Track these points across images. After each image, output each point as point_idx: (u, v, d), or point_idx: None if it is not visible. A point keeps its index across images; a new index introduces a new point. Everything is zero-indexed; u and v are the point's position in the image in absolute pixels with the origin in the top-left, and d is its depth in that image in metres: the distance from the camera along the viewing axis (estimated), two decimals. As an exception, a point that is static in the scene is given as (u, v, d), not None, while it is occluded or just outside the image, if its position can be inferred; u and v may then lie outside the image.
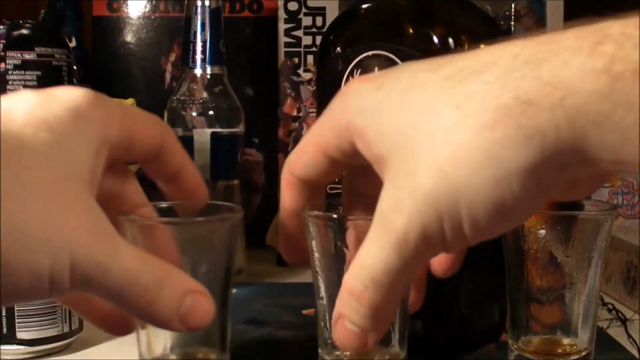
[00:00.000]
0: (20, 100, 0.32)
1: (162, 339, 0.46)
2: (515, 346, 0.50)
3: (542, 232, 0.48)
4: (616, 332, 0.62)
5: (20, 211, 0.29)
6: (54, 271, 0.29)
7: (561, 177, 0.30)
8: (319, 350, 0.47)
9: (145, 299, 0.32)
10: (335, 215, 0.48)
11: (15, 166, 0.29)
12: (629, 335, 0.61)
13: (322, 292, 0.46)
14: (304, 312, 0.66)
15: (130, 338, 0.60)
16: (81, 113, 0.33)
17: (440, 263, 0.41)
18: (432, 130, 0.31)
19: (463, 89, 0.30)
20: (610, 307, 0.66)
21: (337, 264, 0.45)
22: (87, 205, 0.32)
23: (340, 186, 0.57)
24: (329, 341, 0.46)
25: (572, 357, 0.49)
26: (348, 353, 0.46)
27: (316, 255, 0.46)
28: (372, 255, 0.32)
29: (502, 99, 0.29)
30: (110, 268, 0.31)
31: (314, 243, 0.46)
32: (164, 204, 0.51)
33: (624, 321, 0.63)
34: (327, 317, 0.46)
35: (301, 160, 0.38)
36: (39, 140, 0.31)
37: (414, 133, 0.31)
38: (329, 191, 0.58)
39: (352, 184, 0.42)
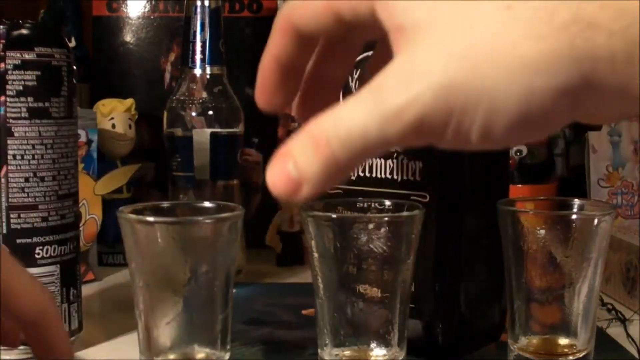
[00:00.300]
0: None
1: (162, 339, 0.47)
2: (515, 346, 0.50)
3: (542, 232, 0.49)
4: (616, 332, 0.62)
5: None
6: None
7: (598, 104, 0.28)
8: (319, 350, 0.47)
9: None
10: (335, 216, 0.48)
11: None
12: (629, 335, 0.61)
13: (322, 292, 0.46)
14: (304, 312, 0.66)
15: (130, 338, 0.60)
16: None
17: None
18: (472, 21, 0.28)
19: None
20: (610, 307, 0.66)
21: (337, 264, 0.45)
22: None
23: (341, 187, 0.57)
24: (328, 341, 0.46)
25: (572, 357, 0.49)
26: (347, 353, 0.46)
27: (315, 255, 0.46)
28: (353, 117, 0.29)
29: (561, 13, 0.27)
30: None
31: (313, 243, 0.46)
32: (164, 204, 0.52)
33: (623, 321, 0.63)
34: (326, 318, 0.46)
35: (305, 10, 0.34)
36: None
37: (452, 16, 0.28)
38: (329, 191, 0.58)
39: (320, 64, 0.38)
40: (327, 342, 0.46)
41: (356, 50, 0.38)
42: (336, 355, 0.46)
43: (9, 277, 0.35)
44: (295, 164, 0.30)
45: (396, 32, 0.30)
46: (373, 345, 0.46)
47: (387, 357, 0.46)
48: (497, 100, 0.27)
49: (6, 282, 0.34)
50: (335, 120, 0.30)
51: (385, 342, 0.46)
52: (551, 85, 0.27)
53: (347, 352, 0.46)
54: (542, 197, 0.69)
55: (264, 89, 0.37)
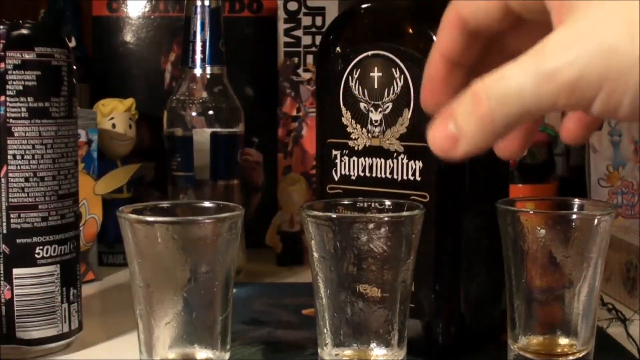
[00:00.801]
0: None
1: (162, 339, 0.47)
2: (515, 346, 0.50)
3: (542, 232, 0.49)
4: (616, 332, 0.62)
5: None
6: None
7: None
8: (319, 350, 0.47)
9: None
10: (335, 215, 0.48)
11: None
12: (629, 335, 0.60)
13: (322, 292, 0.46)
14: (304, 312, 0.66)
15: (130, 338, 0.60)
16: None
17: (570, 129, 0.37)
18: None
19: None
20: (610, 306, 0.66)
21: (337, 264, 0.45)
22: None
23: (341, 187, 0.57)
24: (329, 341, 0.46)
25: (572, 357, 0.49)
26: (347, 353, 0.46)
27: (315, 255, 0.46)
28: (512, 76, 0.30)
29: None
30: None
31: (313, 243, 0.46)
32: (164, 204, 0.52)
33: (623, 321, 0.63)
34: (326, 317, 0.46)
35: (476, 4, 0.35)
36: None
37: None
38: (329, 191, 0.58)
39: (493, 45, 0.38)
40: (327, 341, 0.46)
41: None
42: (336, 355, 0.46)
43: None
44: (455, 121, 0.32)
45: (559, 7, 0.30)
46: (373, 345, 0.46)
47: (387, 357, 0.46)
48: None
49: None
50: (495, 80, 0.30)
51: (385, 342, 0.46)
52: None
53: (347, 352, 0.46)
54: (542, 197, 0.69)
55: (432, 85, 0.38)
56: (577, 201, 0.52)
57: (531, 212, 0.52)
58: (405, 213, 0.47)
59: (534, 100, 0.30)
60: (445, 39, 0.36)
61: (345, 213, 0.50)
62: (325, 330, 0.46)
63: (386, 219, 0.46)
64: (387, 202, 0.50)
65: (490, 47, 0.38)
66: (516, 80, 0.30)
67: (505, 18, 0.34)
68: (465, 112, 0.31)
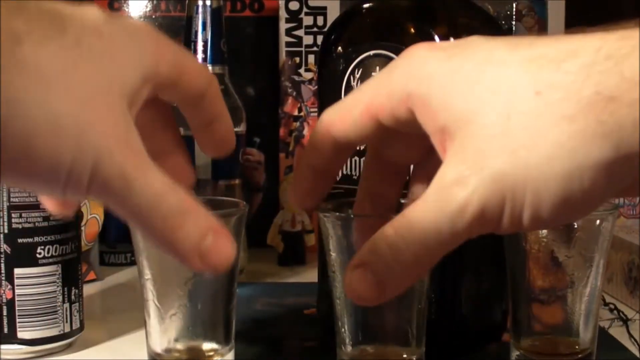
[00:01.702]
0: (88, 10, 0.31)
1: (168, 332, 0.47)
2: (517, 346, 0.50)
3: (544, 232, 0.48)
4: (618, 332, 0.61)
5: (61, 97, 0.28)
6: (74, 166, 0.28)
7: (630, 175, 0.30)
8: (337, 350, 0.47)
9: (168, 225, 0.31)
10: (353, 215, 0.48)
11: (69, 58, 0.28)
12: (631, 335, 0.60)
13: (339, 291, 0.46)
14: (305, 312, 0.66)
15: (132, 337, 0.60)
16: (137, 39, 0.32)
17: None
18: (508, 111, 0.30)
19: (545, 75, 0.30)
20: (612, 307, 0.66)
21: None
22: (124, 119, 0.30)
23: (343, 186, 0.57)
24: (347, 340, 0.46)
25: (574, 357, 0.49)
26: (365, 352, 0.46)
27: (333, 254, 0.46)
28: (424, 220, 0.31)
29: (584, 92, 0.29)
30: (134, 183, 0.29)
31: (330, 242, 0.45)
32: None
33: (625, 321, 0.63)
34: (344, 317, 0.46)
35: (344, 120, 0.36)
36: (93, 46, 0.30)
37: (487, 111, 0.31)
38: (332, 190, 0.58)
39: (379, 153, 0.40)
40: (345, 341, 0.46)
41: (404, 172, 0.41)
42: (354, 354, 0.46)
43: (180, 55, 0.35)
44: (375, 272, 0.33)
45: (439, 135, 0.33)
46: (391, 343, 0.46)
47: (405, 356, 0.46)
48: (541, 185, 0.30)
49: (180, 58, 0.35)
50: (409, 226, 0.32)
51: (403, 342, 0.46)
52: (586, 163, 0.29)
53: (364, 351, 0.46)
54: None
55: (299, 192, 0.40)
56: None
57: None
58: None
59: (450, 238, 0.31)
60: (314, 154, 0.38)
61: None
62: (343, 329, 0.46)
63: None
64: (403, 201, 0.50)
65: (384, 167, 0.40)
66: (431, 225, 0.31)
67: (377, 132, 0.36)
68: (384, 261, 0.33)
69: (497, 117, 0.30)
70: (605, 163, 0.29)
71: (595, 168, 0.29)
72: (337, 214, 0.46)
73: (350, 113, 0.36)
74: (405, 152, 0.39)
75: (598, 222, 0.48)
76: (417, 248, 0.32)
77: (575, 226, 0.48)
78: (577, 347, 0.49)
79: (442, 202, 0.31)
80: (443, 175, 0.32)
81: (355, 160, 0.56)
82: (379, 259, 0.33)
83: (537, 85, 0.30)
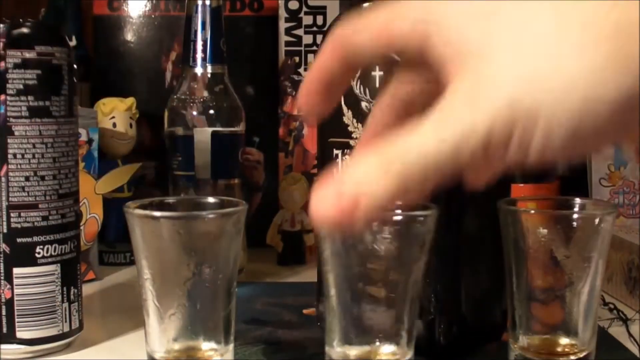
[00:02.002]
0: None
1: (167, 331, 0.47)
2: (516, 346, 0.50)
3: (543, 231, 0.48)
4: (617, 331, 0.61)
5: None
6: None
7: None
8: (326, 348, 0.47)
9: None
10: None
11: None
12: (630, 335, 0.60)
13: (332, 290, 0.46)
14: (305, 311, 0.66)
15: (131, 337, 0.60)
16: None
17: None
18: (525, 41, 0.30)
19: (565, 6, 0.29)
20: (612, 306, 0.66)
21: (348, 262, 0.45)
22: None
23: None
24: (337, 340, 0.46)
25: (573, 357, 0.49)
26: (355, 352, 0.46)
27: (326, 253, 0.46)
28: (423, 140, 0.30)
29: (606, 22, 0.28)
30: None
31: (323, 242, 0.45)
32: (170, 199, 0.53)
33: (625, 321, 0.63)
34: (335, 316, 0.46)
35: (359, 35, 0.35)
36: None
37: (503, 40, 0.30)
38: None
39: (390, 87, 0.39)
40: (335, 340, 0.46)
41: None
42: (344, 354, 0.46)
43: None
44: (355, 184, 0.31)
45: (450, 63, 0.32)
46: (382, 344, 0.46)
47: (395, 356, 0.46)
48: (554, 114, 0.29)
49: None
50: (402, 145, 0.31)
51: (394, 341, 0.46)
52: (605, 94, 0.28)
53: (355, 351, 0.46)
54: (543, 196, 0.69)
55: (307, 97, 0.38)
56: (578, 201, 0.52)
57: (532, 211, 0.52)
58: (419, 212, 0.47)
59: (450, 162, 0.30)
60: (325, 62, 0.37)
61: None
62: (334, 328, 0.46)
63: (399, 218, 0.46)
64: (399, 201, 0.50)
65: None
66: (431, 145, 0.30)
67: (384, 56, 0.35)
68: (369, 176, 0.31)
69: (514, 46, 0.30)
70: (623, 98, 0.28)
71: (612, 103, 0.28)
72: None
73: (367, 30, 0.35)
74: (412, 87, 0.38)
75: (597, 221, 0.48)
76: (406, 170, 0.30)
77: (575, 225, 0.48)
78: (576, 346, 0.49)
79: (448, 123, 0.30)
80: (450, 98, 0.31)
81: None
82: (363, 172, 0.31)
83: (557, 16, 0.29)
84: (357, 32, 0.35)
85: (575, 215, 0.50)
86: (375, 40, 0.35)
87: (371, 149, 0.31)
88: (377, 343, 0.46)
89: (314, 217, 0.31)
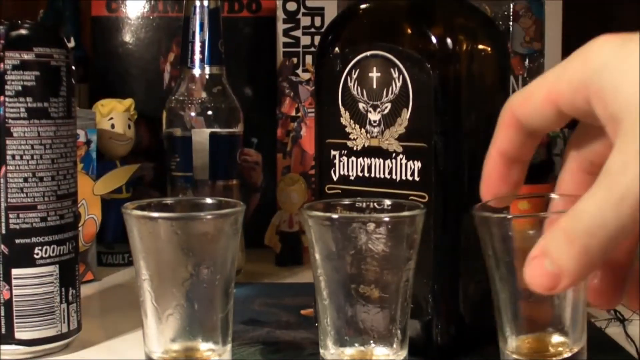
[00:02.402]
0: None
1: (165, 332, 0.47)
2: (506, 349, 0.50)
3: (531, 232, 0.48)
4: (615, 332, 0.62)
5: None
6: None
7: None
8: (321, 350, 0.47)
9: None
10: (337, 215, 0.48)
11: None
12: (628, 335, 0.61)
13: (324, 292, 0.46)
14: (303, 312, 0.66)
15: (130, 338, 0.60)
16: None
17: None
18: None
19: None
20: (609, 307, 0.66)
21: (339, 264, 0.45)
22: None
23: (340, 187, 0.57)
24: (331, 341, 0.46)
25: (566, 355, 0.49)
26: (349, 353, 0.46)
27: (317, 256, 0.46)
28: (590, 210, 0.32)
29: None
30: None
31: (315, 243, 0.46)
32: (168, 200, 0.53)
33: (622, 321, 0.63)
34: (328, 317, 0.46)
35: (528, 105, 0.37)
36: None
37: None
38: (327, 191, 0.58)
39: (580, 155, 0.41)
40: (329, 342, 0.46)
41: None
42: (338, 355, 0.46)
43: None
44: (551, 260, 0.34)
45: (610, 124, 0.33)
46: (375, 345, 0.46)
47: (389, 357, 0.46)
48: None
49: None
50: (577, 218, 0.33)
51: (387, 342, 0.46)
52: None
53: (349, 352, 0.46)
54: (531, 194, 0.69)
55: (490, 181, 0.41)
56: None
57: (510, 217, 0.51)
58: (406, 213, 0.47)
59: (616, 228, 0.32)
60: (502, 137, 0.39)
61: (347, 213, 0.50)
62: (327, 330, 0.46)
63: (387, 218, 0.46)
64: (388, 202, 0.50)
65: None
66: (596, 214, 0.32)
67: (559, 120, 0.36)
68: (561, 251, 0.33)
69: None
70: None
71: None
72: (322, 214, 0.46)
73: (532, 98, 0.36)
74: (594, 144, 0.39)
75: None
76: (586, 239, 0.32)
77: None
78: (567, 345, 0.49)
79: (606, 190, 0.31)
80: (609, 164, 0.32)
81: (352, 161, 0.56)
82: (554, 248, 0.33)
83: None
84: (526, 100, 0.37)
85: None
86: (542, 108, 0.36)
87: (559, 219, 0.34)
88: (371, 344, 0.46)
89: (531, 283, 0.35)
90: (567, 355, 0.48)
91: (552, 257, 0.34)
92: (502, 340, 0.50)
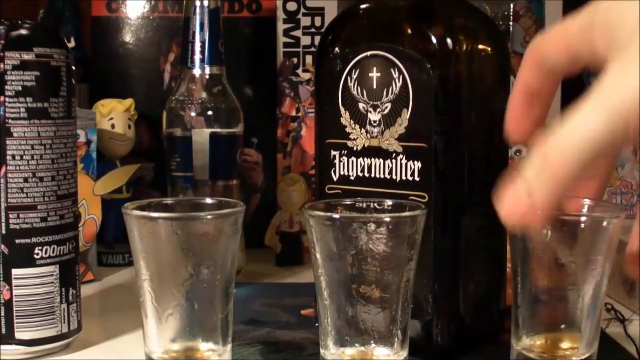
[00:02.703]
0: None
1: (165, 332, 0.48)
2: (518, 346, 0.50)
3: (548, 232, 0.48)
4: (615, 331, 0.62)
5: None
6: None
7: None
8: (321, 350, 0.47)
9: None
10: (338, 216, 0.48)
11: None
12: (628, 335, 0.60)
13: (325, 292, 0.46)
14: (303, 312, 0.66)
15: (130, 338, 0.60)
16: None
17: None
18: None
19: None
20: (609, 306, 0.66)
21: (340, 264, 0.45)
22: None
23: (340, 187, 0.57)
24: (331, 341, 0.46)
25: (575, 359, 0.49)
26: (349, 353, 0.46)
27: (318, 256, 0.46)
28: (577, 119, 0.32)
29: None
30: None
31: (316, 244, 0.46)
32: (168, 200, 0.53)
33: (622, 321, 0.63)
34: (329, 317, 0.46)
35: (545, 43, 0.38)
36: None
37: None
38: (327, 191, 0.58)
39: None
40: (329, 342, 0.47)
41: None
42: (338, 355, 0.46)
43: None
44: (524, 179, 0.34)
45: (609, 50, 0.34)
46: (376, 345, 0.46)
47: (389, 357, 0.46)
48: None
49: None
50: (562, 128, 0.33)
51: (388, 342, 0.46)
52: None
53: (349, 352, 0.46)
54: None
55: (514, 117, 0.42)
56: (587, 202, 0.51)
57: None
58: (407, 213, 0.47)
59: (603, 136, 0.32)
60: (525, 72, 0.40)
61: (348, 213, 0.50)
62: (328, 330, 0.46)
63: (389, 218, 0.46)
64: (389, 202, 0.50)
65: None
66: (586, 127, 0.32)
67: (571, 62, 0.37)
68: (534, 168, 0.33)
69: None
70: None
71: None
72: (324, 214, 0.46)
73: (549, 37, 0.38)
74: None
75: (605, 224, 0.48)
76: (565, 148, 0.32)
77: (582, 226, 0.48)
78: (578, 349, 0.49)
79: (598, 105, 0.32)
80: (603, 80, 0.32)
81: (352, 161, 0.56)
82: (529, 165, 0.34)
83: None
84: (544, 39, 0.38)
85: (582, 218, 0.49)
86: (557, 45, 0.37)
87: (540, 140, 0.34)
88: (371, 344, 0.46)
89: (503, 219, 0.34)
90: (576, 359, 0.48)
91: (525, 175, 0.34)
92: (515, 337, 0.50)
